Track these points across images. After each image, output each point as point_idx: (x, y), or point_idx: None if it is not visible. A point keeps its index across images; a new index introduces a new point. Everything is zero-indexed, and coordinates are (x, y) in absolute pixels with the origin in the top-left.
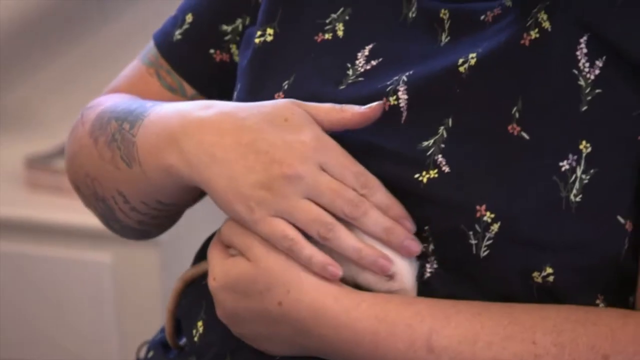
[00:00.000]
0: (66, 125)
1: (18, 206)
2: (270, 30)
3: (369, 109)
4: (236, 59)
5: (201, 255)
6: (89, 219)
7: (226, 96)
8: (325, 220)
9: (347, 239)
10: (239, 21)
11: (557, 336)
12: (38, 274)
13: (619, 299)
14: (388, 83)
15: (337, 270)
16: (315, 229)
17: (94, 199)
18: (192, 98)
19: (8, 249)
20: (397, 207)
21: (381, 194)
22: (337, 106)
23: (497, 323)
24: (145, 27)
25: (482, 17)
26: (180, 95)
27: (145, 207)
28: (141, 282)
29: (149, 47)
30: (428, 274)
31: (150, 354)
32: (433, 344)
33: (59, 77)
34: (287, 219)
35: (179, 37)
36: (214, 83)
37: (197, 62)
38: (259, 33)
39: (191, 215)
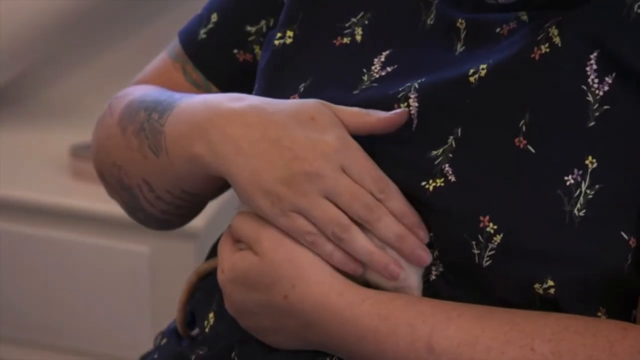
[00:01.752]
0: None
1: (62, 194)
2: (290, 33)
3: (395, 115)
4: (259, 59)
5: (215, 250)
6: None
7: (249, 91)
8: (341, 222)
9: (360, 242)
10: (262, 22)
11: (555, 345)
12: (79, 261)
13: (621, 313)
14: (400, 89)
15: (358, 267)
16: (331, 228)
17: (119, 188)
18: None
19: (51, 235)
20: (412, 215)
21: (397, 200)
22: (364, 110)
23: (498, 328)
24: None
25: (498, 30)
26: (205, 91)
27: (170, 197)
28: (177, 272)
29: (176, 42)
30: (433, 277)
31: (164, 341)
32: (433, 344)
33: (105, 71)
34: (305, 216)
35: (203, 36)
36: (236, 83)
37: (220, 62)
38: (278, 35)
39: (227, 207)
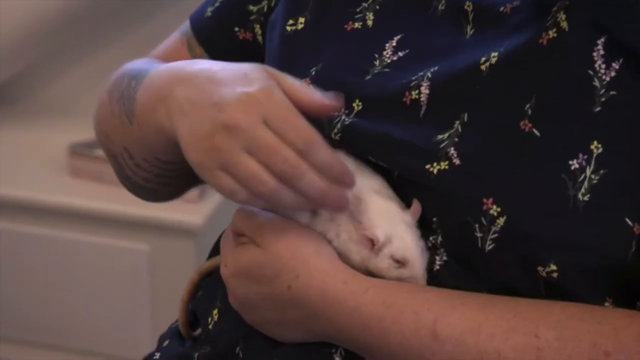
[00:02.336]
0: None
1: (61, 193)
2: (302, 20)
3: (328, 105)
4: (259, 38)
5: (216, 248)
6: (128, 208)
7: None
8: (262, 179)
9: (288, 200)
10: (264, 2)
11: (560, 332)
12: (78, 259)
13: (628, 302)
14: (413, 79)
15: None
16: (253, 185)
17: (109, 156)
18: None
19: (50, 234)
20: (337, 166)
21: (322, 152)
22: (304, 87)
23: (502, 316)
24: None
25: (501, 9)
26: None
27: (147, 165)
28: (177, 270)
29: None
30: (437, 266)
31: (166, 342)
32: (437, 331)
33: (102, 70)
34: (230, 172)
35: (209, 14)
36: (233, 60)
37: (220, 39)
38: (290, 21)
39: (226, 205)
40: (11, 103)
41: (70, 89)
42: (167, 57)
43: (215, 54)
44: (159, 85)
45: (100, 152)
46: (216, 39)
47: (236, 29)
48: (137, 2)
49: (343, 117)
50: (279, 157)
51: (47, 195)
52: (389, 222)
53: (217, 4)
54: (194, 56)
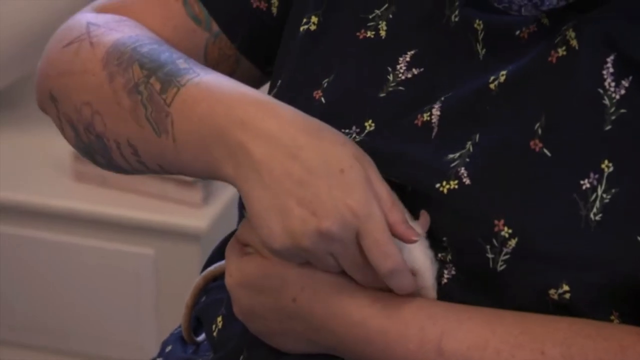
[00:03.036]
0: None
1: (66, 197)
2: (314, 19)
3: (408, 237)
4: (274, 9)
5: (218, 252)
6: (133, 212)
7: (250, 42)
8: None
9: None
10: None
11: (566, 349)
12: (82, 263)
13: (634, 317)
14: (425, 108)
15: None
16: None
17: (83, 129)
18: (216, 35)
19: (54, 238)
20: (411, 289)
21: (403, 280)
22: (390, 199)
23: (508, 331)
24: None
25: (517, 33)
26: (204, 29)
27: (159, 168)
28: (182, 274)
29: None
30: (445, 280)
31: (169, 348)
32: (443, 347)
33: None
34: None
35: None
36: (242, 28)
37: (231, 2)
38: (304, 20)
39: (230, 209)
40: (15, 107)
41: None
42: (148, 11)
43: (221, 17)
44: (221, 126)
45: None
46: (225, 2)
47: None
48: None
49: (354, 135)
50: (359, 273)
51: (51, 200)
52: None
53: None
54: (191, 14)
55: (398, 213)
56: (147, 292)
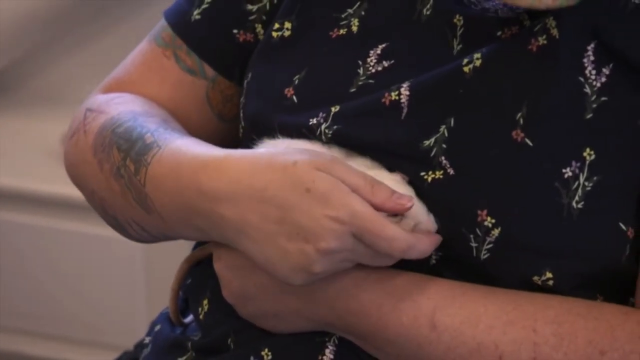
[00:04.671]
0: None
1: (54, 183)
2: (288, 25)
3: (399, 203)
4: (260, 38)
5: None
6: None
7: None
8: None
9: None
10: (265, 0)
11: (557, 327)
12: (72, 249)
13: (618, 300)
14: (393, 87)
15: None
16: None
17: (101, 211)
18: (213, 80)
19: (43, 223)
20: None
21: (419, 250)
22: (368, 183)
23: (501, 308)
24: None
25: (499, 33)
26: (201, 78)
27: (165, 237)
28: (172, 259)
29: (161, 27)
30: (434, 261)
31: (157, 327)
32: (436, 321)
33: (95, 58)
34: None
35: (197, 16)
36: (236, 64)
37: (218, 42)
38: (276, 26)
39: None
40: (4, 92)
41: (64, 78)
42: (147, 75)
43: (212, 60)
44: (187, 196)
45: None
46: (212, 43)
47: (235, 30)
48: None
49: (322, 121)
50: (381, 261)
51: (41, 185)
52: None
53: (204, 6)
54: (185, 68)
55: (381, 192)
56: (137, 277)
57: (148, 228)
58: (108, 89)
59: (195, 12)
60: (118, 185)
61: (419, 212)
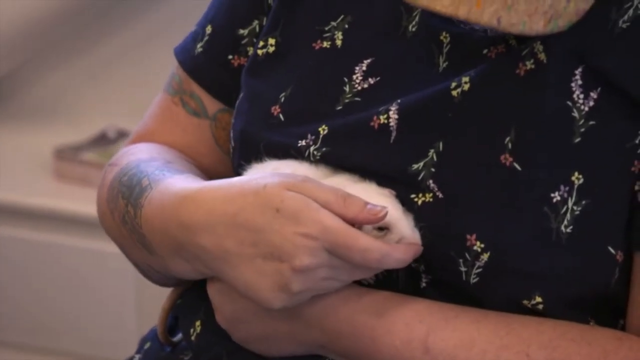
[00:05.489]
0: (95, 118)
1: (46, 196)
2: (271, 41)
3: (375, 214)
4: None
5: None
6: None
7: None
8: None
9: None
10: (255, 22)
11: (551, 352)
12: (63, 263)
13: (609, 322)
14: (381, 109)
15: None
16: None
17: (128, 258)
18: (214, 116)
19: (35, 237)
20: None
21: (394, 260)
22: (340, 198)
23: (494, 332)
24: (177, 22)
25: (485, 52)
26: (204, 118)
27: (175, 279)
28: None
29: (172, 75)
30: (424, 284)
31: (147, 345)
32: (429, 345)
33: (88, 71)
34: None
35: (200, 49)
36: (234, 90)
37: (216, 71)
38: (261, 43)
39: None
40: None
41: (56, 91)
42: (163, 126)
43: (213, 90)
44: (174, 235)
45: (86, 156)
46: (211, 73)
47: (230, 57)
48: (123, 3)
49: (311, 143)
50: (362, 274)
51: (32, 199)
52: (365, 197)
53: (205, 38)
54: (190, 111)
55: (353, 205)
56: (128, 291)
57: (157, 269)
58: (134, 140)
59: (199, 46)
60: (126, 231)
61: (404, 226)
